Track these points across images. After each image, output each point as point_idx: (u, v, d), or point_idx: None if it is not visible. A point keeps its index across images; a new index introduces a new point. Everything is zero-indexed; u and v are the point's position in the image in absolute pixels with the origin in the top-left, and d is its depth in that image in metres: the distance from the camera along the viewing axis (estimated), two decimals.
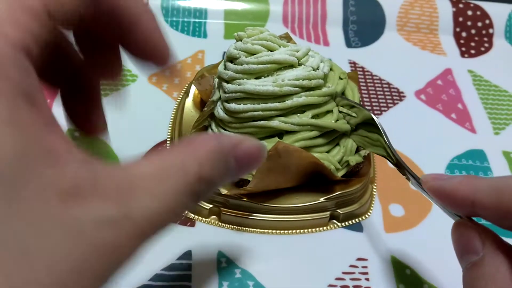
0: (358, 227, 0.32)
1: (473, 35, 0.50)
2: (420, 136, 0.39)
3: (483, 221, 0.22)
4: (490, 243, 0.20)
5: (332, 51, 0.47)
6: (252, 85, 0.29)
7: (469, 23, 0.50)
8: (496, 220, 0.20)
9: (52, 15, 0.14)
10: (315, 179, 0.31)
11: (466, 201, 0.21)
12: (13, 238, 0.11)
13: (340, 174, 0.31)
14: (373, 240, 0.32)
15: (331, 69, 0.32)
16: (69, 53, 0.19)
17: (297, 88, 0.29)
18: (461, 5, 0.51)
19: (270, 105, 0.29)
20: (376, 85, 0.44)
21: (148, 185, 0.14)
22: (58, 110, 0.19)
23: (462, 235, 0.21)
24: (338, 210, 0.32)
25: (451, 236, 0.22)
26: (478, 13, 0.50)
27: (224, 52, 0.38)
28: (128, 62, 0.20)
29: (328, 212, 0.32)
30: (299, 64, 0.30)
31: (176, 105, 0.38)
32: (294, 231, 0.31)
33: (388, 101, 0.42)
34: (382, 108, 0.42)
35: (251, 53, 0.30)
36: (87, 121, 0.21)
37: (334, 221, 0.32)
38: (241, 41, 0.31)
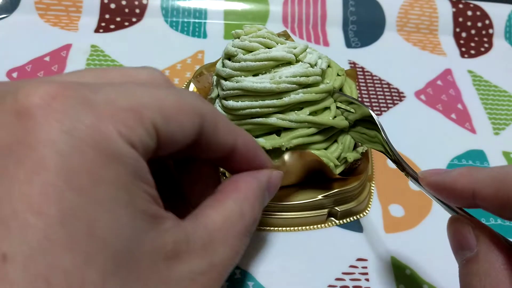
0: (358, 228, 0.32)
1: (473, 36, 0.50)
2: (420, 137, 0.39)
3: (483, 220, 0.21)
4: (485, 239, 0.20)
5: (332, 51, 0.47)
6: (249, 82, 0.29)
7: (469, 23, 0.50)
8: (497, 210, 0.20)
9: (160, 148, 0.17)
10: (313, 177, 0.31)
11: (466, 193, 0.20)
12: None
13: (338, 170, 0.31)
14: (373, 240, 0.31)
15: (329, 66, 0.31)
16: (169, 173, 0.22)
17: (294, 85, 0.29)
18: (461, 6, 0.51)
19: (268, 102, 0.28)
20: (376, 85, 0.44)
21: (222, 237, 0.18)
22: None
23: (457, 230, 0.21)
24: (336, 208, 0.32)
25: (446, 232, 0.22)
26: (478, 13, 0.50)
27: None
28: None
29: (326, 210, 0.31)
30: (297, 61, 0.30)
31: None
32: (292, 228, 0.31)
33: (388, 101, 0.42)
34: (382, 109, 0.41)
35: (249, 51, 0.30)
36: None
37: (332, 218, 0.32)
38: (238, 38, 0.31)
